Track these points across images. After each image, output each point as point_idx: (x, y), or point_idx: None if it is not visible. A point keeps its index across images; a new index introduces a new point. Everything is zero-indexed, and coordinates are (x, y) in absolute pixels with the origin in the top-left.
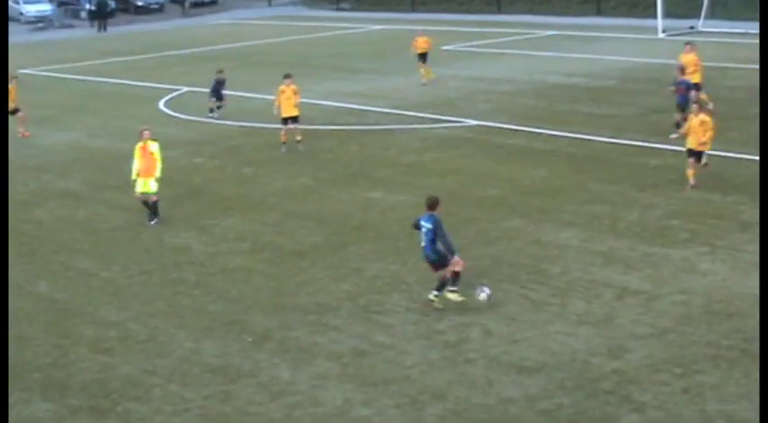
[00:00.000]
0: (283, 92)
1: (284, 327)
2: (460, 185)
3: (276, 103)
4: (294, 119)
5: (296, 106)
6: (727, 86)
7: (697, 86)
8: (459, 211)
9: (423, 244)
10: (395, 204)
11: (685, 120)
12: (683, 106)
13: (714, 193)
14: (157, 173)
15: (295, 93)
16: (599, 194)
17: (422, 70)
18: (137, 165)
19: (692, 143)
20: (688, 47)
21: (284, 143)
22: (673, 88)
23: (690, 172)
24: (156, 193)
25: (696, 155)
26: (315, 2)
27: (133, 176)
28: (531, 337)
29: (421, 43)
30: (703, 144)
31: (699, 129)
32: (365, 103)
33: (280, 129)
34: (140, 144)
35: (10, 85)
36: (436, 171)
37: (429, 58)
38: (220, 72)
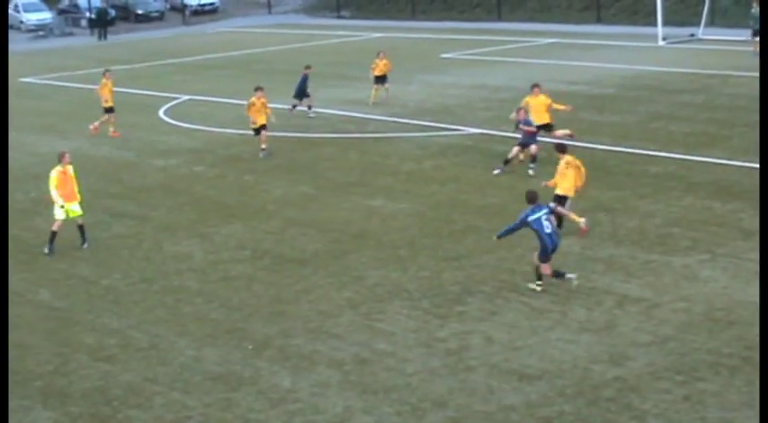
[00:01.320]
0: (254, 104)
1: (285, 334)
2: (461, 193)
3: (247, 113)
4: (263, 127)
5: (267, 116)
6: (727, 94)
7: (548, 127)
8: (460, 218)
9: (548, 231)
10: (395, 212)
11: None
12: (524, 146)
13: (714, 200)
14: (78, 196)
15: (264, 105)
16: (599, 202)
17: (374, 90)
18: (58, 191)
19: (564, 189)
20: (536, 89)
21: (264, 149)
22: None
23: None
24: (83, 216)
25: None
26: (315, 10)
27: (61, 204)
28: (532, 345)
29: (381, 66)
30: (572, 190)
31: (566, 171)
32: (365, 110)
33: (281, 137)
34: (60, 168)
35: (105, 80)
36: (436, 179)
37: (388, 79)
38: (308, 67)
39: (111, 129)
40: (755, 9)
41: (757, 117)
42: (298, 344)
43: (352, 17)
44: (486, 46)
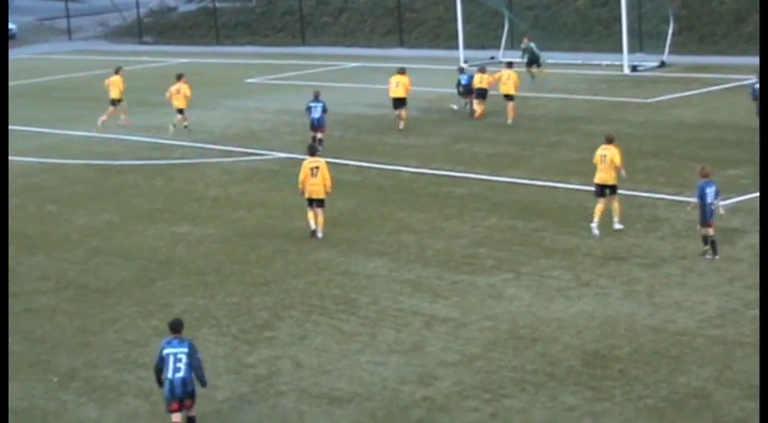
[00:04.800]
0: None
1: (91, 365)
2: (268, 218)
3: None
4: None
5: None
6: (528, 115)
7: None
8: (267, 243)
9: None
10: (202, 238)
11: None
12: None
13: (518, 220)
14: None
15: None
16: (406, 224)
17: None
18: None
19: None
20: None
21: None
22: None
23: None
24: None
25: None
26: (117, 36)
27: None
28: (342, 368)
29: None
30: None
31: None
32: (170, 137)
33: (83, 164)
34: None
35: (117, 77)
36: (243, 204)
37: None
38: (463, 69)
39: None
40: (525, 44)
41: (558, 137)
42: (104, 375)
43: (154, 43)
44: (290, 70)
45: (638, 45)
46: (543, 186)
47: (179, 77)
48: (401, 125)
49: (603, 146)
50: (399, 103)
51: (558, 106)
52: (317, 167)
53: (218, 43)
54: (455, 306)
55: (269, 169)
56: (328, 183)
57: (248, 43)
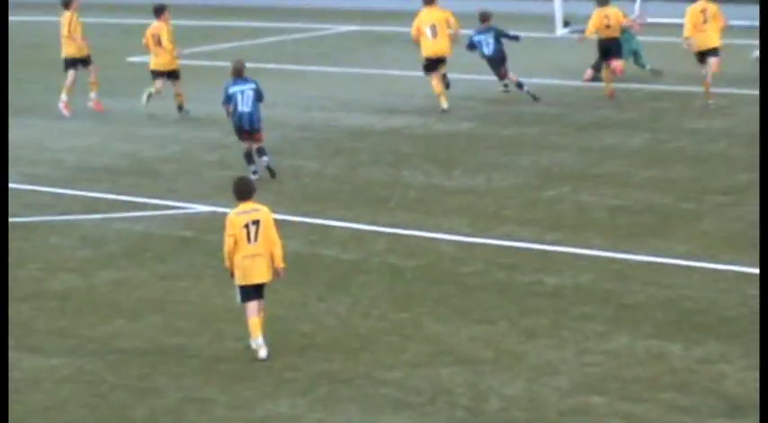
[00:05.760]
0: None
1: None
2: (170, 335)
3: None
4: None
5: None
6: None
7: None
8: (168, 385)
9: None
10: (39, 375)
11: None
12: None
13: (671, 340)
14: None
15: None
16: (447, 346)
17: None
18: None
19: None
20: None
21: None
22: None
23: None
24: None
25: None
26: None
27: None
28: None
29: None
30: None
31: None
32: None
33: None
34: None
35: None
36: (121, 307)
37: None
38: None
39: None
40: None
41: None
42: None
43: None
44: (228, 38)
45: None
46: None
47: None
48: (444, 105)
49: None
50: (437, 64)
51: None
52: (255, 222)
53: None
54: None
55: (173, 236)
56: (278, 251)
57: None
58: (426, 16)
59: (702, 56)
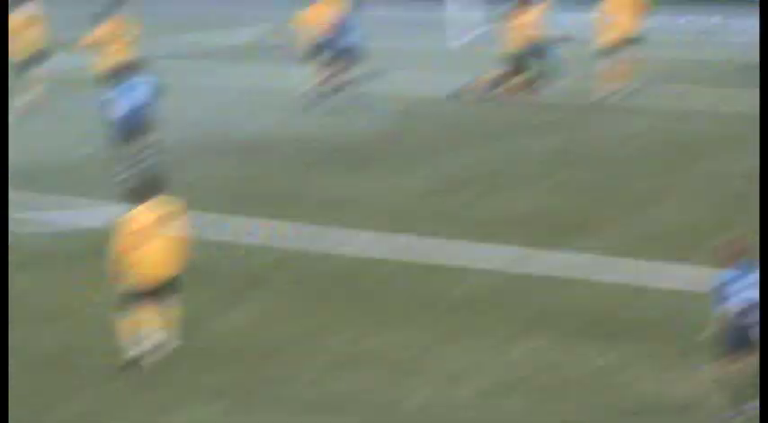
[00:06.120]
0: None
1: None
2: (75, 337)
3: None
4: None
5: None
6: None
7: None
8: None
9: None
10: None
11: None
12: None
13: (579, 343)
14: None
15: None
16: (363, 353)
17: None
18: None
19: None
20: None
21: None
22: None
23: None
24: None
25: None
26: None
27: None
28: None
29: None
30: None
31: None
32: None
33: None
34: None
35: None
36: (22, 315)
37: None
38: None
39: None
40: None
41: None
42: None
43: None
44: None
45: None
46: (620, 273)
47: None
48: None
49: None
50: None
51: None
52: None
53: None
54: None
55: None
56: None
57: None
58: None
59: (611, 49)
